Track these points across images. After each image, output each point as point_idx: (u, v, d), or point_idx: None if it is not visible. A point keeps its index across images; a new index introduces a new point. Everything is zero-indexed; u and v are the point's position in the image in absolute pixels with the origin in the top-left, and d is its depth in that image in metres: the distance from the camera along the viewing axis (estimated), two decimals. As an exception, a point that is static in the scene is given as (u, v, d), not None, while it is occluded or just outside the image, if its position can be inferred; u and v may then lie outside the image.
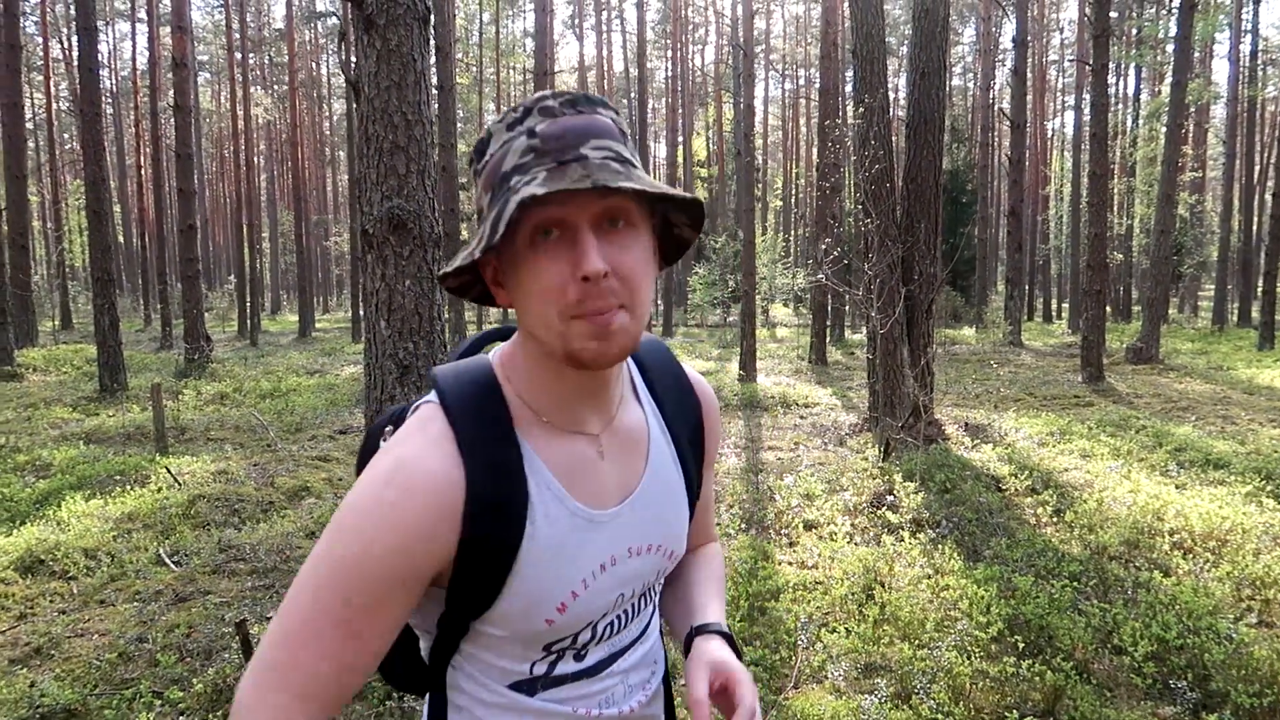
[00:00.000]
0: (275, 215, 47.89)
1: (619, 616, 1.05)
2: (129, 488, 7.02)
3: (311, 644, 0.87)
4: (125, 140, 41.94)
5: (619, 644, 1.06)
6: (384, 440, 1.05)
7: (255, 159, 35.36)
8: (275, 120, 45.34)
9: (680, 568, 1.25)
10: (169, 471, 7.38)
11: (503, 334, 1.10)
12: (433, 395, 0.97)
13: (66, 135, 45.47)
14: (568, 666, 1.01)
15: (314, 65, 48.09)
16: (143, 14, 33.79)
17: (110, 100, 41.21)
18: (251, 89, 35.45)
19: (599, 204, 0.86)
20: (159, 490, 6.89)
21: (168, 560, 5.35)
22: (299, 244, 28.11)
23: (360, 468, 1.04)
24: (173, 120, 17.89)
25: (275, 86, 45.07)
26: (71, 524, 5.97)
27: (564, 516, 0.95)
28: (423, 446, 0.91)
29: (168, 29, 21.17)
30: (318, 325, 33.74)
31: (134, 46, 38.94)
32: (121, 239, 41.71)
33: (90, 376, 14.49)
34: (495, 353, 1.03)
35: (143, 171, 32.73)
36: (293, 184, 29.77)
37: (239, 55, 31.42)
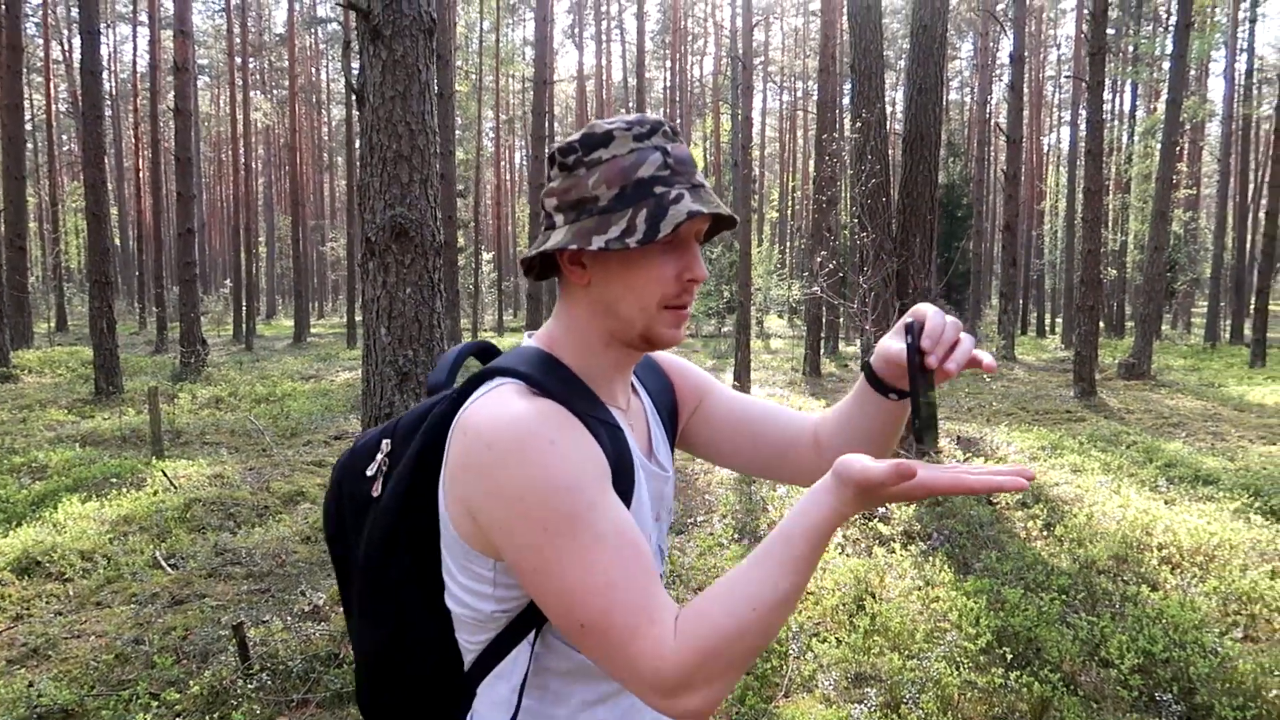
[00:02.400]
0: (272, 220, 47.93)
1: None
2: (125, 490, 7.04)
3: (615, 560, 0.89)
4: (124, 143, 41.99)
5: None
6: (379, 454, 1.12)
7: (254, 163, 35.42)
8: (274, 125, 45.42)
9: (821, 424, 1.27)
10: (165, 475, 7.40)
11: (480, 349, 1.19)
12: (507, 380, 1.01)
13: (65, 137, 45.47)
14: None
15: (314, 71, 48.21)
16: (144, 17, 33.86)
17: (110, 103, 41.22)
18: (251, 93, 35.51)
19: (703, 224, 1.07)
20: (155, 493, 6.92)
21: (164, 563, 5.38)
22: (295, 249, 28.10)
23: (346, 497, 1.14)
24: (172, 124, 17.92)
25: (275, 91, 45.16)
26: (67, 526, 5.99)
27: (642, 467, 1.09)
28: (543, 407, 0.96)
29: (168, 32, 21.25)
30: (313, 330, 33.74)
31: (134, 49, 38.99)
32: (118, 241, 41.70)
33: (86, 379, 14.49)
34: (535, 340, 1.11)
35: (141, 174, 32.75)
36: (290, 189, 29.78)
37: (239, 60, 31.50)
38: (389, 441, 1.12)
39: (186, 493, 6.90)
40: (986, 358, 0.98)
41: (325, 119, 52.48)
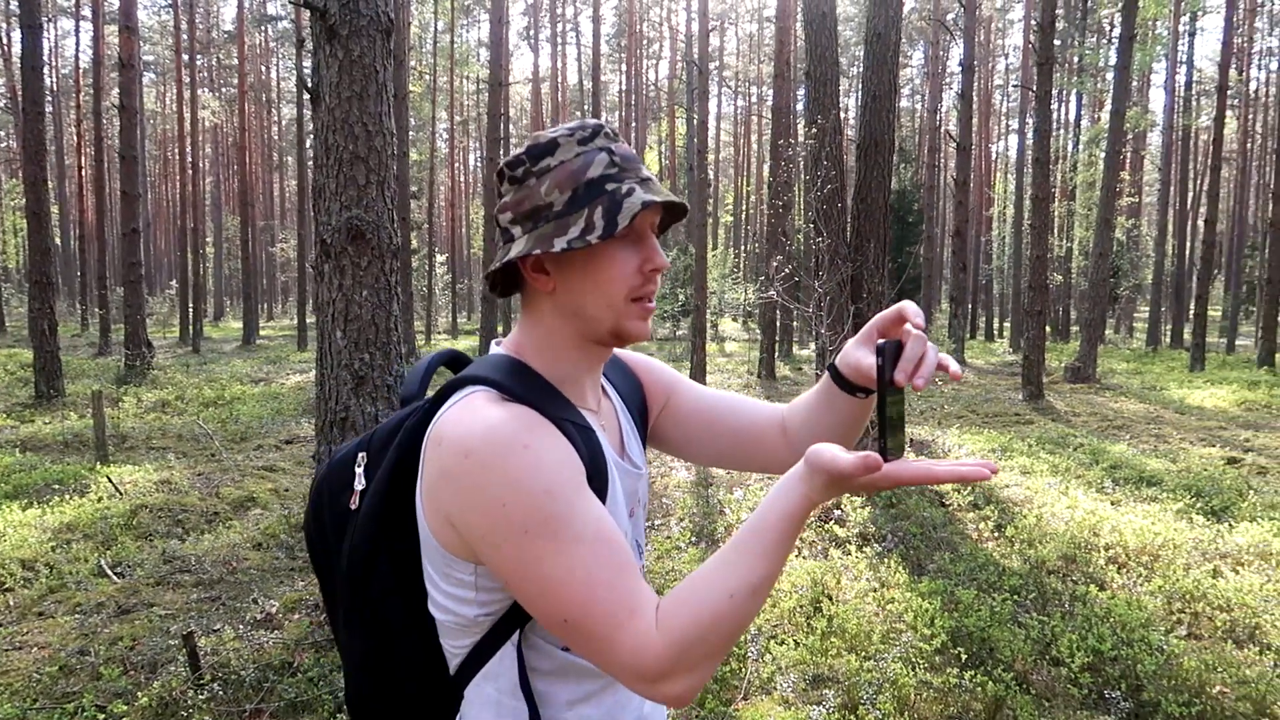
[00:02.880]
0: (220, 220, 46.95)
1: None
2: (68, 497, 6.85)
3: (594, 557, 0.91)
4: (65, 140, 40.88)
5: None
6: (358, 468, 1.11)
7: (201, 162, 34.74)
8: (222, 123, 44.60)
9: (789, 414, 1.29)
10: (110, 481, 7.22)
11: (451, 358, 1.20)
12: (479, 388, 1.02)
13: (4, 133, 44.21)
14: None
15: (264, 69, 47.42)
16: (87, 11, 33.06)
17: (51, 99, 40.14)
18: (199, 91, 34.84)
19: (656, 215, 1.09)
20: (99, 500, 6.74)
21: (109, 571, 5.24)
22: (244, 249, 27.56)
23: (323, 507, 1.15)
24: (116, 121, 17.50)
25: (223, 89, 44.36)
26: (7, 534, 5.81)
27: (615, 465, 1.10)
28: (516, 413, 0.97)
29: (112, 28, 20.77)
30: (262, 333, 33.17)
31: (77, 44, 38.08)
32: (59, 241, 40.64)
33: (25, 382, 14.09)
34: (504, 348, 1.12)
35: (83, 172, 31.96)
36: (239, 188, 29.21)
37: (187, 57, 30.88)
38: (364, 454, 1.12)
39: (132, 499, 6.74)
40: (953, 365, 0.99)
41: (275, 118, 51.62)
